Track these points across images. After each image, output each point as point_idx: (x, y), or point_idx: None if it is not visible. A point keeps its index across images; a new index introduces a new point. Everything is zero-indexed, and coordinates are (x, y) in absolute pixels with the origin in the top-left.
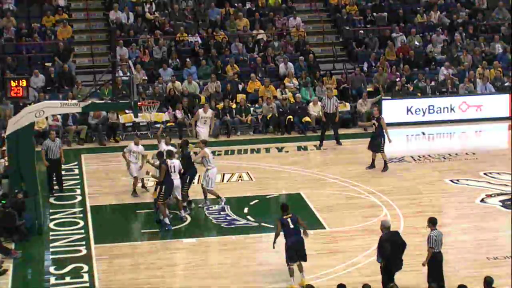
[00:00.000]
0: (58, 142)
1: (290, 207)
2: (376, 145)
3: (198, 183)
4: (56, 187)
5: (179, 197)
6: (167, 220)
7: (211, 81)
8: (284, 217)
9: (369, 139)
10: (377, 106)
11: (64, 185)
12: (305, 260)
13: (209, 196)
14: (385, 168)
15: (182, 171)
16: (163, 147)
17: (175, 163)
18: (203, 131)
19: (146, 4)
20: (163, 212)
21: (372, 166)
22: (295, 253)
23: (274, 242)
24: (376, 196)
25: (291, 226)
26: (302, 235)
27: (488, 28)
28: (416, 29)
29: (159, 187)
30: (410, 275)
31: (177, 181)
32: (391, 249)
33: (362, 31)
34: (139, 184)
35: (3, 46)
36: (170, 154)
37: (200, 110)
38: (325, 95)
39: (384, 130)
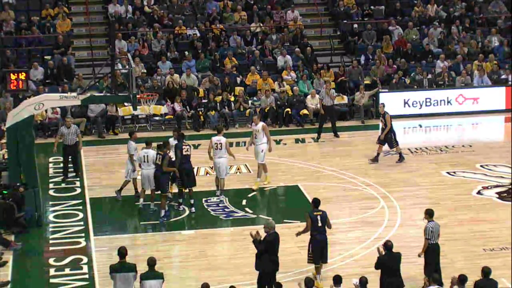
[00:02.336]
0: (74, 129)
1: (288, 199)
2: (388, 140)
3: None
4: (72, 174)
5: (150, 189)
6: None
7: (209, 79)
8: (315, 213)
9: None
10: (383, 104)
11: (69, 176)
12: (326, 261)
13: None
14: (400, 159)
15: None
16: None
17: (149, 152)
18: (254, 149)
19: None
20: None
21: (376, 159)
22: (320, 254)
23: (298, 234)
24: (373, 188)
25: (319, 224)
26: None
27: (484, 22)
28: (413, 22)
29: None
30: (407, 267)
31: (147, 171)
32: (269, 252)
33: (356, 25)
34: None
35: (2, 39)
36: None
37: (253, 124)
38: (323, 88)
39: (387, 126)
